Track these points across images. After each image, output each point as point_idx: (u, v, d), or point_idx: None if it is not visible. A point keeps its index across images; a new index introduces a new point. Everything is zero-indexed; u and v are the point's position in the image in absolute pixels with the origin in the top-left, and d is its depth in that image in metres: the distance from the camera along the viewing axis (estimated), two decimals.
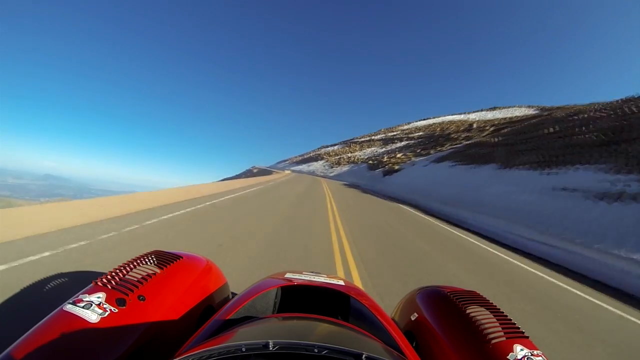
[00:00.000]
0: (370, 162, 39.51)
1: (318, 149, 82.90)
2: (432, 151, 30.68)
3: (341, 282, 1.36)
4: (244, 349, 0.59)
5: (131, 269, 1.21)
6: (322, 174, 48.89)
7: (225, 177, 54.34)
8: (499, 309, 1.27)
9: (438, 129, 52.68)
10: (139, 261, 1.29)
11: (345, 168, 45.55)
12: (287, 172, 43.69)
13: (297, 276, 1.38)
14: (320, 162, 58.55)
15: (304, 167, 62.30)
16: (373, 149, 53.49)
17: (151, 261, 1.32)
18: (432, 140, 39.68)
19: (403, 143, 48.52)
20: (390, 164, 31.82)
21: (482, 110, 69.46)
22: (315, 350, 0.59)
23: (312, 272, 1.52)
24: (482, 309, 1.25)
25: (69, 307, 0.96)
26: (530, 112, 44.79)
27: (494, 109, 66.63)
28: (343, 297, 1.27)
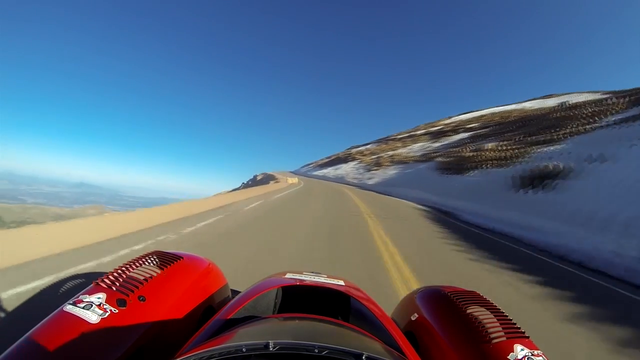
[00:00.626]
0: (441, 159, 25.21)
1: (347, 149, 69.20)
2: (547, 137, 20.35)
3: (341, 282, 1.38)
4: (244, 350, 0.61)
5: (132, 269, 1.27)
6: (355, 181, 36.46)
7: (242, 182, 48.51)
8: (500, 309, 1.30)
9: (497, 118, 43.39)
10: (139, 262, 1.35)
11: (391, 171, 32.63)
12: (292, 180, 29.29)
13: (297, 276, 1.41)
14: (352, 164, 45.08)
15: (329, 170, 49.27)
16: (421, 144, 39.91)
17: (152, 261, 1.38)
18: (516, 126, 29.99)
19: (465, 134, 36.13)
20: (497, 161, 17.56)
21: (536, 99, 55.83)
22: (316, 351, 0.61)
23: (312, 272, 1.53)
24: (483, 309, 1.28)
25: (69, 308, 1.00)
26: (598, 96, 35.11)
27: (549, 96, 56.87)
28: (343, 297, 1.29)
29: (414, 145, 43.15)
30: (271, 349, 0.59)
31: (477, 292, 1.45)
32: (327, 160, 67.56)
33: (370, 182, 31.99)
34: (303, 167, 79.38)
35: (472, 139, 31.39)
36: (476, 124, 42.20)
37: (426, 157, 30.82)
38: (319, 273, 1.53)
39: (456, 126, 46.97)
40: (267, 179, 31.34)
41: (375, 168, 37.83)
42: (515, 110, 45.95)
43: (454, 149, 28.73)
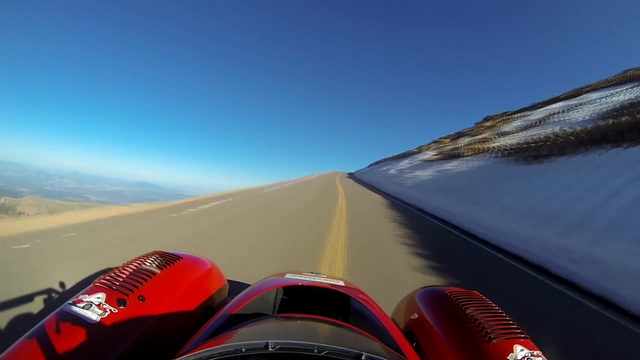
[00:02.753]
0: None
1: (469, 129, 36.95)
2: None
3: (341, 283, 1.39)
4: (244, 350, 0.61)
5: (131, 269, 1.27)
6: None
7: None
8: (499, 309, 1.31)
9: None
10: (139, 262, 1.35)
11: None
12: None
13: (297, 277, 1.41)
14: None
15: None
16: None
17: (151, 262, 1.37)
18: None
19: None
20: None
21: None
22: (315, 351, 0.61)
23: (312, 273, 1.55)
24: (482, 309, 1.30)
25: (68, 308, 1.00)
26: None
27: None
28: (343, 298, 1.29)
29: None
30: (270, 349, 0.59)
31: (477, 292, 1.46)
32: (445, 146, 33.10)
33: None
34: (373, 164, 57.18)
35: None
36: None
37: None
38: (319, 273, 1.54)
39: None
40: None
41: None
42: None
43: None
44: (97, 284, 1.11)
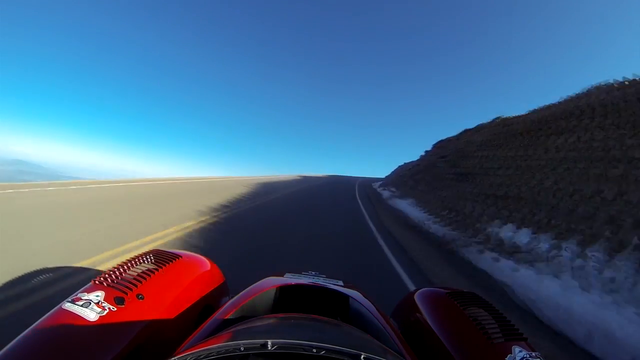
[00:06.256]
0: None
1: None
2: None
3: (340, 283, 1.42)
4: (242, 349, 0.62)
5: (130, 267, 1.28)
6: None
7: None
8: (498, 310, 1.33)
9: None
10: (137, 260, 1.37)
11: None
12: None
13: (296, 276, 1.44)
14: None
15: None
16: None
17: (150, 260, 1.39)
18: None
19: None
20: None
21: None
22: (314, 350, 0.61)
23: (311, 273, 1.57)
24: (481, 310, 1.31)
25: (67, 306, 1.00)
26: None
27: None
28: (342, 298, 1.31)
29: None
30: (269, 349, 0.59)
31: (476, 293, 1.47)
32: None
33: None
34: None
35: None
36: None
37: None
38: (318, 273, 1.55)
39: None
40: None
41: None
42: None
43: None
44: (96, 282, 1.12)
